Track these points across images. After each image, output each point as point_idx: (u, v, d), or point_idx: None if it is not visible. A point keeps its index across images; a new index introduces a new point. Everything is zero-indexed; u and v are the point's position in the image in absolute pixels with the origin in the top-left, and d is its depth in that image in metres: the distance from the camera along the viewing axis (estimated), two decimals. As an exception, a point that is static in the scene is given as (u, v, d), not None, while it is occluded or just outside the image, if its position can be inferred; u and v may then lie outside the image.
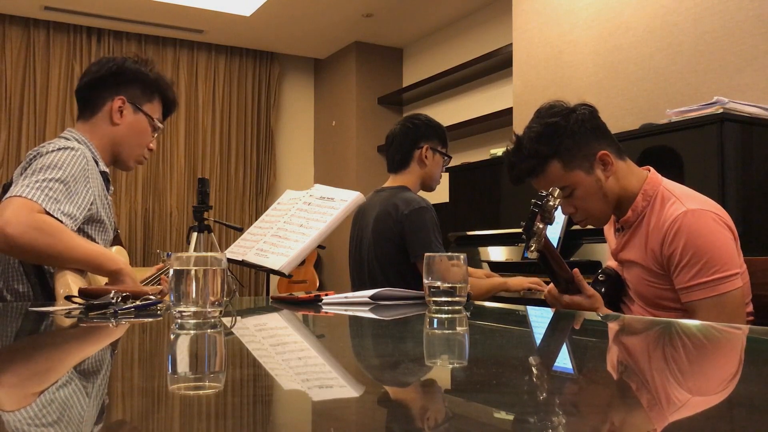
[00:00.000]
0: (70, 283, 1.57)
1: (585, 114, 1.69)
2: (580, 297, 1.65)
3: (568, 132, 1.66)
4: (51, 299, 1.65)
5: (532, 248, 1.58)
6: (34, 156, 1.71)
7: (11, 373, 0.78)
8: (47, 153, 1.69)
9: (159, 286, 1.68)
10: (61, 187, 1.62)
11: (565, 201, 1.70)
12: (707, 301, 1.52)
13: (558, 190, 1.62)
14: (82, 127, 1.88)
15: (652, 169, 1.74)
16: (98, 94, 1.88)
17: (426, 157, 2.55)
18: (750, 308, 1.65)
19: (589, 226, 2.60)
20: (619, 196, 1.69)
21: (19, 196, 1.56)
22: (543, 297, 1.75)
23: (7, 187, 1.70)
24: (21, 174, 1.68)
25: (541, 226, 1.57)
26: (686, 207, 1.57)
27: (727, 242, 1.55)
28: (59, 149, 1.70)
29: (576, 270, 1.66)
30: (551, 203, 1.58)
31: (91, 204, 1.72)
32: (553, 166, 1.67)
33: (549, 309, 1.69)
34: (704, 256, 1.53)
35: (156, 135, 1.98)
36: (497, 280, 2.59)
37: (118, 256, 1.70)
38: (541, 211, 1.57)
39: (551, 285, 1.71)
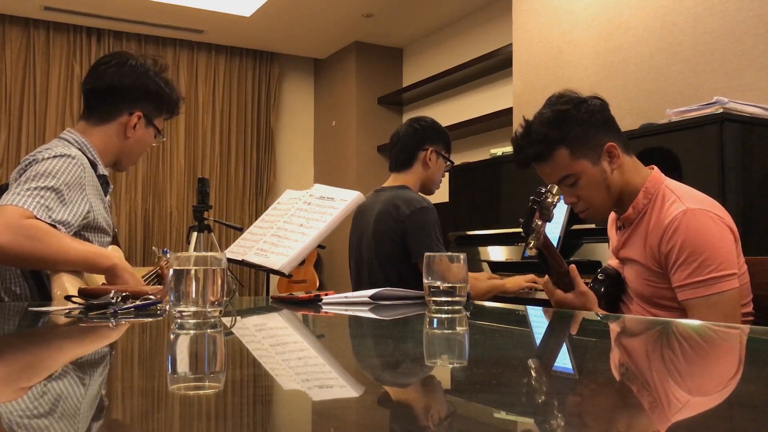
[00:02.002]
0: (65, 284, 1.57)
1: (596, 105, 1.70)
2: (571, 294, 1.65)
3: (578, 120, 1.67)
4: (48, 301, 1.64)
5: (531, 245, 1.58)
6: (30, 162, 1.68)
7: (9, 372, 0.78)
8: (42, 160, 1.66)
9: (159, 286, 1.68)
10: (53, 195, 1.60)
11: (569, 190, 1.70)
12: (702, 300, 1.52)
13: (556, 187, 1.62)
14: (86, 129, 1.83)
15: (656, 168, 1.74)
16: (114, 104, 1.83)
17: (430, 159, 2.57)
18: (750, 308, 1.65)
19: (590, 225, 2.61)
20: (622, 190, 1.69)
21: (10, 204, 1.54)
22: (541, 285, 1.75)
23: (4, 189, 1.69)
24: (16, 180, 1.66)
25: (539, 222, 1.57)
26: (686, 206, 1.57)
27: (725, 242, 1.55)
28: (55, 157, 1.67)
29: (573, 266, 1.66)
30: (549, 200, 1.58)
31: (88, 212, 1.70)
32: (561, 152, 1.67)
33: (548, 309, 1.69)
34: (701, 255, 1.53)
35: (157, 142, 1.98)
36: (495, 282, 2.60)
37: (111, 252, 1.69)
38: (539, 207, 1.57)
39: (547, 276, 1.71)
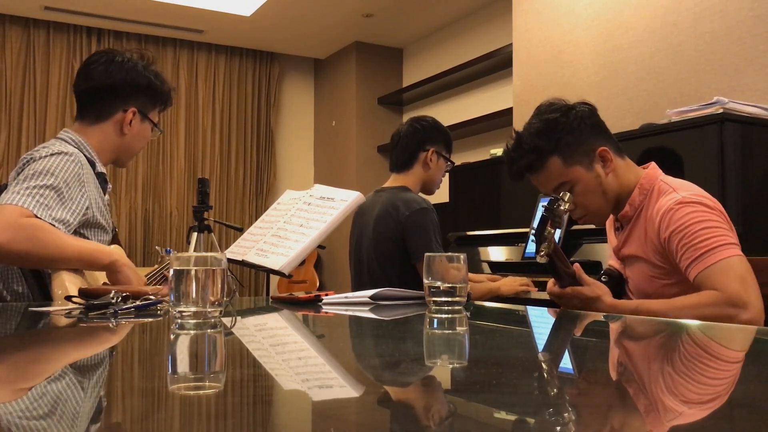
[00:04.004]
0: (66, 283, 1.57)
1: (585, 111, 1.71)
2: (581, 287, 1.64)
3: (567, 128, 1.67)
4: (48, 300, 1.64)
5: (542, 253, 1.58)
6: (28, 161, 1.68)
7: (10, 372, 0.78)
8: (40, 158, 1.66)
9: (159, 286, 1.67)
10: (52, 193, 1.60)
11: None
12: (711, 269, 1.50)
13: (569, 195, 1.62)
14: (82, 129, 1.84)
15: (653, 164, 1.74)
16: (108, 102, 1.83)
17: (431, 160, 2.56)
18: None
19: (590, 226, 2.61)
20: (618, 193, 1.70)
21: (9, 203, 1.54)
22: (547, 292, 1.75)
23: (3, 189, 1.69)
24: (14, 179, 1.66)
25: (551, 230, 1.58)
26: (680, 195, 1.59)
27: (721, 223, 1.56)
28: (53, 154, 1.67)
29: (577, 265, 1.66)
30: (562, 208, 1.59)
31: (87, 209, 1.70)
32: (553, 161, 1.68)
33: (549, 309, 1.69)
34: (700, 232, 1.53)
35: (154, 136, 1.97)
36: (490, 285, 2.60)
37: (111, 249, 1.69)
38: (551, 216, 1.57)
39: (550, 283, 1.71)
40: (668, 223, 1.57)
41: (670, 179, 1.68)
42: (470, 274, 2.69)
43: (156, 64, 1.94)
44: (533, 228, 1.59)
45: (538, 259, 1.60)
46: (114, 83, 1.82)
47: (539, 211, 2.62)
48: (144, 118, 1.89)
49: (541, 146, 1.68)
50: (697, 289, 1.54)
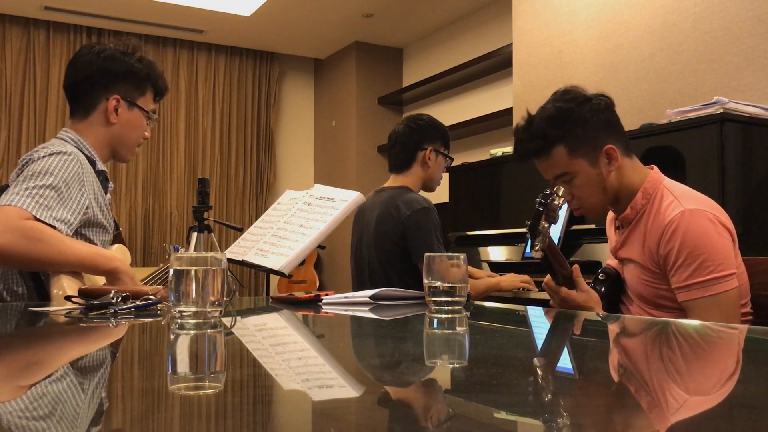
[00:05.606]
0: (64, 284, 1.56)
1: (600, 105, 1.69)
2: (575, 292, 1.65)
3: (580, 120, 1.66)
4: (46, 301, 1.64)
5: (537, 247, 1.58)
6: (27, 162, 1.68)
7: (9, 371, 0.78)
8: (39, 159, 1.66)
9: (159, 287, 1.67)
10: (52, 193, 1.59)
11: (564, 187, 1.69)
12: (703, 301, 1.53)
13: (563, 189, 1.62)
14: (76, 126, 1.83)
15: (655, 167, 1.74)
16: (90, 93, 1.82)
17: (429, 158, 2.55)
18: (748, 308, 1.65)
19: (590, 225, 2.61)
20: (619, 191, 1.69)
21: (8, 205, 1.53)
22: (542, 286, 1.75)
23: (3, 189, 1.69)
24: (14, 180, 1.66)
25: (546, 225, 1.57)
26: (684, 207, 1.57)
27: (723, 243, 1.55)
28: (51, 154, 1.67)
29: (576, 266, 1.66)
30: (556, 202, 1.58)
31: (87, 208, 1.69)
32: (559, 150, 1.67)
33: (547, 310, 1.69)
34: (700, 256, 1.53)
35: (150, 124, 1.94)
36: (491, 280, 2.60)
37: (113, 254, 1.69)
38: (546, 210, 1.57)
39: (548, 277, 1.71)
40: (669, 238, 1.57)
41: (672, 185, 1.67)
42: (470, 269, 2.69)
43: (141, 51, 1.89)
44: (527, 223, 1.59)
45: (533, 254, 1.60)
46: (92, 73, 1.81)
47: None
48: (131, 105, 1.85)
49: (550, 133, 1.67)
50: (682, 310, 1.57)
